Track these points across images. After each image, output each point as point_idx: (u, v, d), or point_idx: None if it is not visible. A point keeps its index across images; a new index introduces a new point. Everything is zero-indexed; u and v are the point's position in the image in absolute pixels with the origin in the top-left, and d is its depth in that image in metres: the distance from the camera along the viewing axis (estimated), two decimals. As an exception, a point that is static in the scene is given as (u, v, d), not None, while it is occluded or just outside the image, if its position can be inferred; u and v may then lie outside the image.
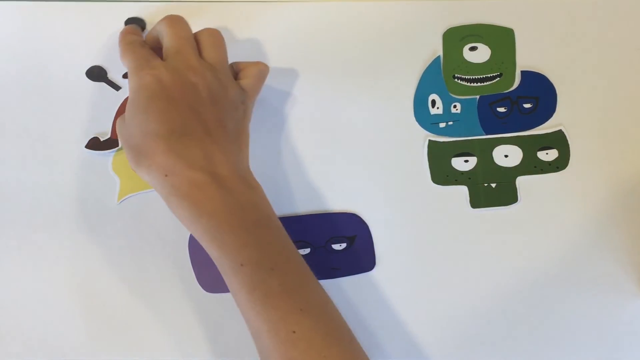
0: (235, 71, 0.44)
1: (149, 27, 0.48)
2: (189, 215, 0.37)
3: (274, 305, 0.37)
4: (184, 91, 0.38)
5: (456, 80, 0.48)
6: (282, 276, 0.38)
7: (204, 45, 0.42)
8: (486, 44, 0.47)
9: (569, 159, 0.47)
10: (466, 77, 0.47)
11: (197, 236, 0.38)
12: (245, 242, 0.37)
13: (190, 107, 0.38)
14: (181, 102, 0.38)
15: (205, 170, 0.37)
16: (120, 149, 0.47)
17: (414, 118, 0.47)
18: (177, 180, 0.37)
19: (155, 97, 0.38)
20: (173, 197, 0.38)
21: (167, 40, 0.41)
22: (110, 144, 0.47)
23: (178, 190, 0.37)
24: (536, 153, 0.47)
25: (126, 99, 0.47)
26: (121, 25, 0.48)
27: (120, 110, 0.47)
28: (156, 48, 0.43)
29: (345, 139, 0.48)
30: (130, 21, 0.48)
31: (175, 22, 0.41)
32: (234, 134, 0.40)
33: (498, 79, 0.47)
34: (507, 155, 0.47)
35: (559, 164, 0.47)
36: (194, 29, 0.46)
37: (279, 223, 0.41)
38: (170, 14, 0.42)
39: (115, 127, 0.46)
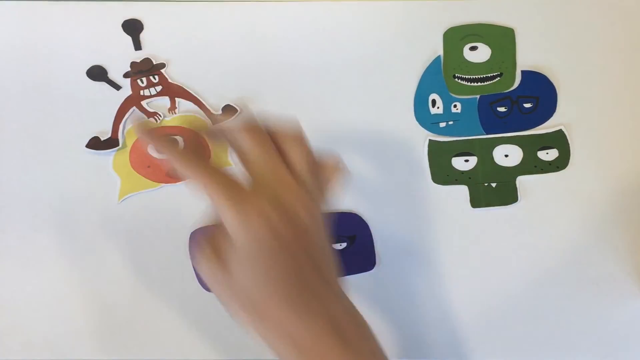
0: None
1: (145, 29, 0.48)
2: None
3: None
4: (298, 234, 0.32)
5: (456, 79, 0.47)
6: None
7: (292, 156, 0.35)
8: (486, 44, 0.47)
9: (569, 159, 0.47)
10: (466, 76, 0.47)
11: None
12: None
13: (305, 252, 0.33)
14: (296, 248, 0.32)
15: (328, 326, 0.33)
16: (121, 148, 0.47)
17: (414, 118, 0.47)
18: (302, 342, 0.33)
19: (271, 247, 0.32)
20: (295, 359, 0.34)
21: (256, 158, 0.34)
22: (110, 143, 0.47)
23: (302, 352, 0.33)
24: (536, 153, 0.47)
25: (126, 99, 0.48)
26: (120, 26, 0.48)
27: (121, 110, 0.47)
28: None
29: (345, 138, 0.48)
30: (127, 23, 0.48)
31: (255, 130, 0.34)
32: (333, 266, 0.35)
33: (498, 78, 0.47)
34: (508, 155, 0.47)
35: (559, 164, 0.47)
36: (193, 29, 0.46)
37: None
38: (246, 122, 0.35)
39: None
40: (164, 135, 0.36)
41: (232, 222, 0.32)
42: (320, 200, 0.35)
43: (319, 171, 0.36)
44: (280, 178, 0.33)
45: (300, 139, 0.36)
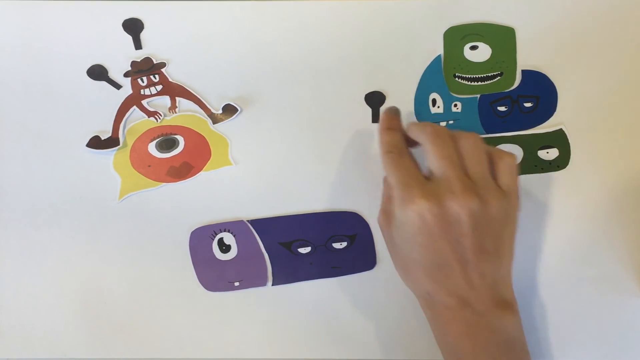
0: (488, 160, 0.42)
1: (146, 28, 0.48)
2: (438, 332, 0.42)
3: None
4: (445, 227, 0.39)
5: (457, 79, 0.47)
6: None
7: (465, 156, 0.41)
8: (487, 43, 0.47)
9: (569, 158, 0.47)
10: (467, 76, 0.47)
11: (441, 348, 0.42)
12: None
13: (450, 241, 0.39)
14: (442, 237, 0.39)
15: (461, 297, 0.40)
16: (121, 147, 0.47)
17: (414, 117, 0.47)
18: (434, 302, 0.41)
19: (419, 233, 0.39)
20: (429, 311, 0.42)
21: (431, 161, 0.41)
22: (111, 142, 0.47)
23: (434, 309, 0.41)
24: (537, 152, 0.47)
25: (127, 98, 0.48)
26: (120, 25, 0.48)
27: (122, 110, 0.48)
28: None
29: (346, 137, 0.48)
30: (127, 23, 0.48)
31: (438, 138, 0.41)
32: (493, 252, 0.40)
33: (499, 78, 0.47)
34: (508, 154, 0.47)
35: (560, 163, 0.47)
36: (194, 28, 0.46)
37: (525, 346, 0.42)
38: (432, 127, 0.41)
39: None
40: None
41: (398, 205, 0.40)
42: (492, 198, 0.40)
43: (496, 168, 0.41)
44: (449, 183, 0.39)
45: (476, 141, 0.41)
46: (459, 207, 0.39)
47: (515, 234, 0.42)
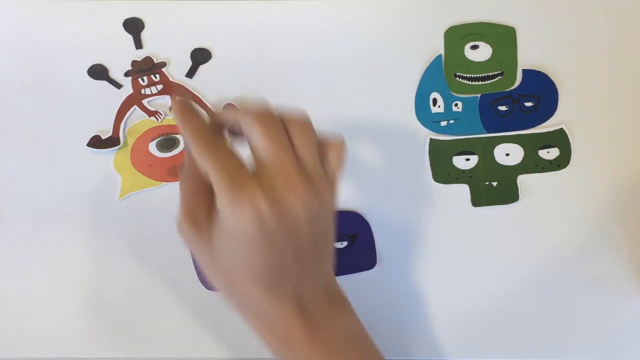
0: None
1: (146, 27, 0.48)
2: (281, 350, 0.36)
3: None
4: (287, 230, 0.33)
5: (457, 78, 0.47)
6: None
7: (297, 141, 0.35)
8: (487, 43, 0.47)
9: (570, 158, 0.47)
10: (467, 75, 0.47)
11: None
12: None
13: (291, 246, 0.34)
14: (283, 243, 0.34)
15: (298, 303, 0.35)
16: (122, 147, 0.47)
17: (415, 116, 0.47)
18: (269, 316, 0.36)
19: (256, 238, 0.33)
20: (265, 330, 0.36)
21: (262, 148, 0.34)
22: (111, 142, 0.47)
23: (270, 326, 0.36)
24: (537, 151, 0.47)
25: (127, 97, 0.48)
26: (121, 25, 0.48)
27: (122, 109, 0.48)
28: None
29: (346, 137, 0.47)
30: (128, 22, 0.48)
31: (267, 120, 0.34)
32: (324, 249, 0.37)
33: (499, 77, 0.47)
34: (509, 154, 0.47)
35: (560, 163, 0.47)
36: (194, 28, 0.46)
37: (370, 339, 0.39)
38: (256, 106, 0.35)
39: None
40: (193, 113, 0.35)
41: (225, 206, 0.32)
42: (324, 189, 0.35)
43: (324, 156, 0.36)
44: (285, 171, 0.33)
45: (308, 126, 0.35)
46: (298, 201, 0.33)
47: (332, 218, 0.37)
